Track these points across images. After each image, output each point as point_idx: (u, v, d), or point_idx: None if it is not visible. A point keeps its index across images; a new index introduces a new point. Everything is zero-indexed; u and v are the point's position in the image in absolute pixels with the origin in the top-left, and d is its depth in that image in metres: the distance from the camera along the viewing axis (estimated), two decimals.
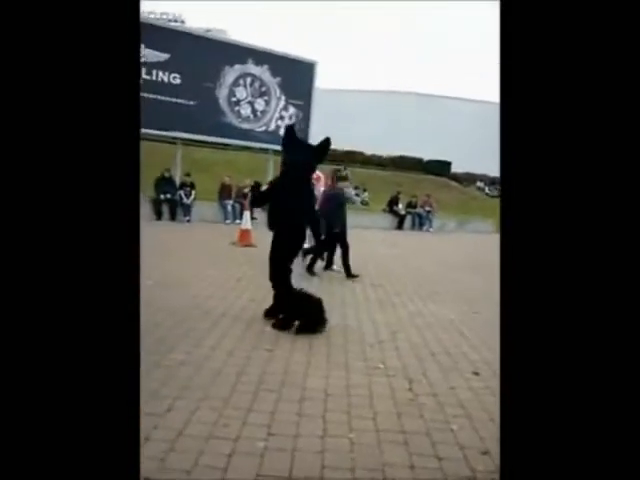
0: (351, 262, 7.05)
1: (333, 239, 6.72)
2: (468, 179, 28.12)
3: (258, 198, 4.62)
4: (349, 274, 6.78)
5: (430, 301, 5.80)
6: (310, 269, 6.70)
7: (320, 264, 7.01)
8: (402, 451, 2.32)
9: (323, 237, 6.68)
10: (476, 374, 3.43)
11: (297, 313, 4.11)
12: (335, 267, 7.17)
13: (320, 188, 8.33)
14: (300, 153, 4.21)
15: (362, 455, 2.25)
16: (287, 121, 14.02)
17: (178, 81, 12.19)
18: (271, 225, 4.22)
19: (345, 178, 7.11)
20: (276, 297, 4.26)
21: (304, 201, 4.20)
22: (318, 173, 8.47)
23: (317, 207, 7.25)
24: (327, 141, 4.28)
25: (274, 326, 4.07)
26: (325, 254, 7.14)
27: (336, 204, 6.73)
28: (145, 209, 11.40)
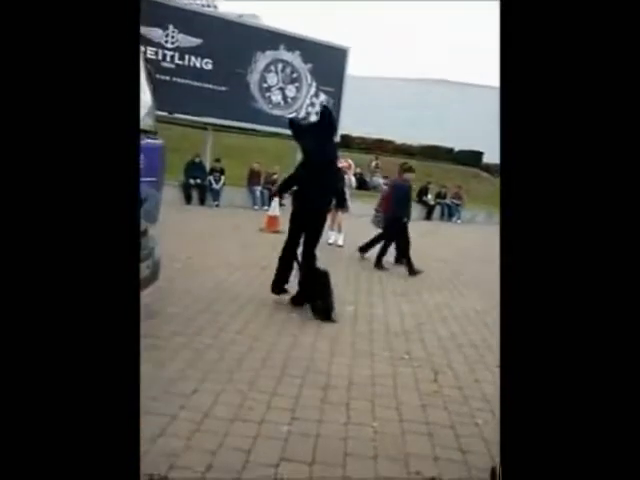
0: (377, 250, 7.01)
1: (400, 229, 6.62)
2: (499, 170, 27.58)
3: (283, 185, 4.68)
4: (378, 260, 6.64)
5: (457, 292, 5.74)
6: (379, 264, 6.60)
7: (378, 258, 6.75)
8: (426, 442, 2.31)
9: (389, 228, 6.68)
10: None
11: (310, 294, 4.16)
12: (366, 255, 7.11)
13: (351, 176, 8.30)
14: (312, 139, 4.18)
15: (385, 444, 2.24)
16: (318, 108, 13.95)
17: (210, 66, 12.22)
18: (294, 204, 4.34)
19: (411, 169, 6.93)
20: (301, 280, 4.31)
21: (329, 185, 4.19)
22: (349, 161, 8.43)
23: (382, 198, 7.26)
24: (325, 111, 4.26)
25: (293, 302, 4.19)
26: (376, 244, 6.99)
27: (402, 194, 6.65)
28: (175, 194, 11.55)
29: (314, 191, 4.12)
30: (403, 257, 6.72)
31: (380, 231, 7.10)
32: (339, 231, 8.14)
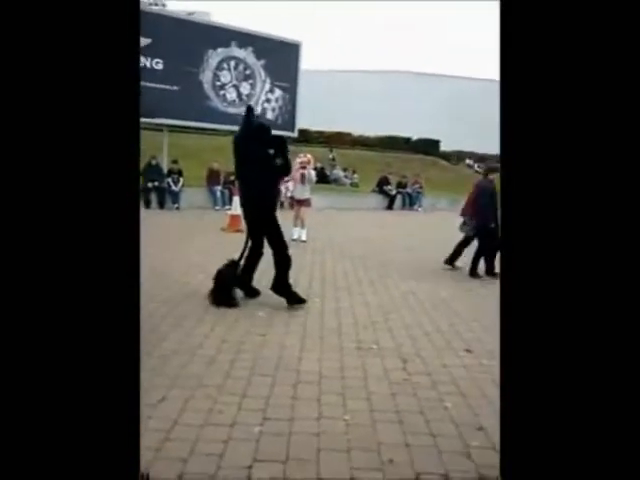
0: (343, 243, 7.02)
1: (489, 235, 6.10)
2: (457, 157, 28.08)
3: None
4: (472, 268, 6.26)
5: (422, 280, 5.82)
6: (473, 272, 6.21)
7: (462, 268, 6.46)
8: (397, 430, 2.34)
9: (477, 234, 6.25)
10: (469, 351, 3.45)
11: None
12: (458, 265, 6.63)
13: (310, 171, 8.27)
14: (240, 138, 4.24)
15: (357, 436, 2.26)
16: (273, 104, 13.87)
17: (161, 66, 11.95)
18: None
19: (496, 170, 6.36)
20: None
21: (259, 181, 4.17)
22: (308, 156, 8.38)
23: (469, 201, 6.57)
24: (247, 108, 4.38)
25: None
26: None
27: (487, 195, 6.16)
28: None
29: (246, 189, 4.27)
30: (490, 261, 6.20)
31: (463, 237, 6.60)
32: (302, 227, 8.16)
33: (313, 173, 8.40)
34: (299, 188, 8.17)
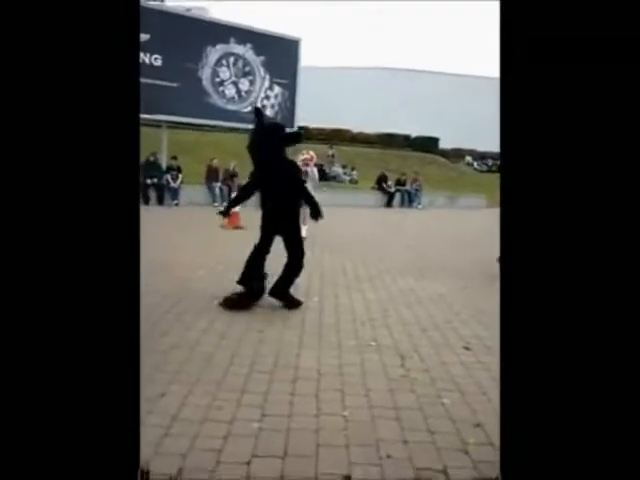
0: (342, 240, 6.98)
1: None
2: (456, 155, 28.06)
3: (240, 196, 4.63)
4: None
5: (421, 277, 5.83)
6: None
7: None
8: (395, 426, 2.35)
9: None
10: (467, 349, 3.46)
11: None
12: None
13: (313, 168, 8.19)
14: (256, 143, 4.16)
15: (356, 432, 2.27)
16: (273, 101, 13.86)
17: (159, 63, 11.94)
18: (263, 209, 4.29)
19: None
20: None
21: (291, 186, 4.17)
22: (311, 153, 8.31)
23: None
24: (257, 111, 4.33)
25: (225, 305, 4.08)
26: None
27: None
28: None
29: (275, 192, 4.13)
30: None
31: None
32: (304, 223, 8.09)
33: (315, 170, 8.36)
34: None
